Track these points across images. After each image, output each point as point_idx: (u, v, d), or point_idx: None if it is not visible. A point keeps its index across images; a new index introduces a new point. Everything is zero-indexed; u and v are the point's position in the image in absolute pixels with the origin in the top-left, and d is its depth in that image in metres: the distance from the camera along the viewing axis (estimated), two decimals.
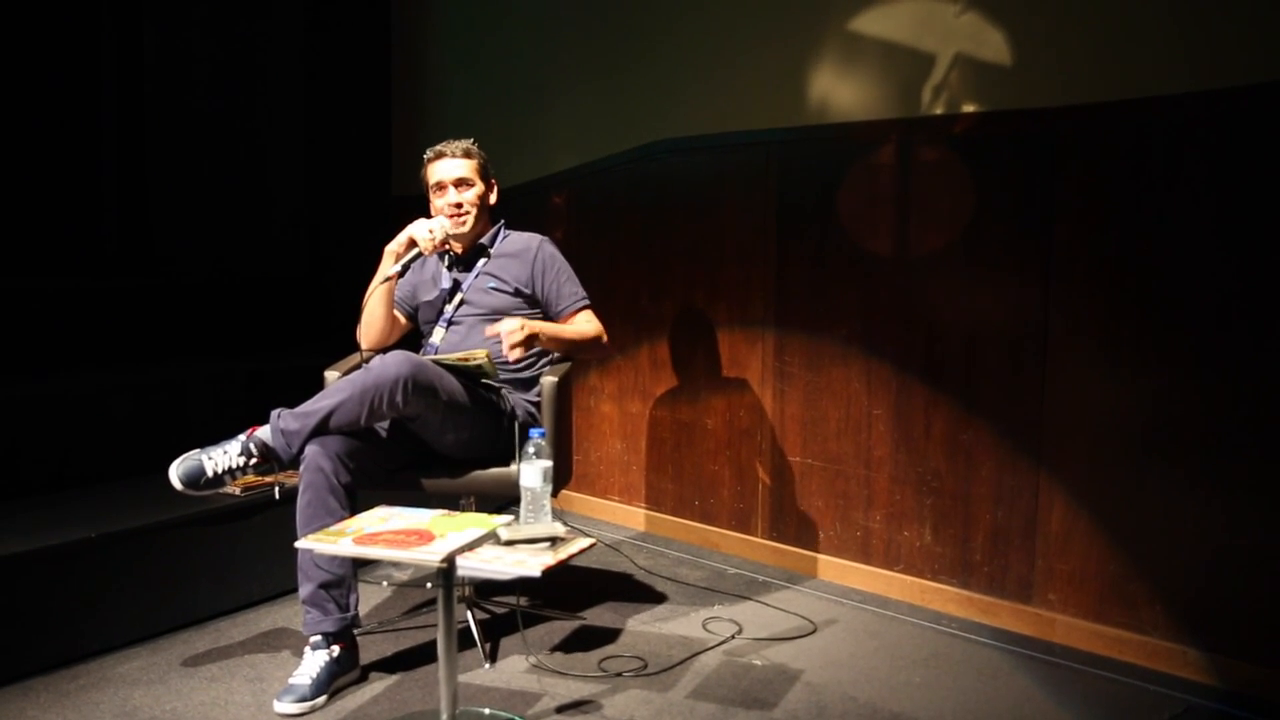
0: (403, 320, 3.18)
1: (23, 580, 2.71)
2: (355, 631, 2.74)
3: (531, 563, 2.21)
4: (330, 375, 2.98)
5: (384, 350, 2.96)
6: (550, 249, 3.17)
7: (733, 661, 2.87)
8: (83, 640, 2.83)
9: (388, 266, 2.98)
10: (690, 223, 3.86)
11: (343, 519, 2.56)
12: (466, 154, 3.09)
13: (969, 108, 3.13)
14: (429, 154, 3.12)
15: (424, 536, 2.21)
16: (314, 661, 2.61)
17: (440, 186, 3.09)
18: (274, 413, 2.71)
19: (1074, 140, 2.92)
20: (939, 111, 3.18)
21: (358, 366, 2.96)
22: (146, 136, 4.86)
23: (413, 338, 3.19)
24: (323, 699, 2.58)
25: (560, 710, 2.56)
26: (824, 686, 2.72)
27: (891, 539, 3.37)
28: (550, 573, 2.23)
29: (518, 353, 2.85)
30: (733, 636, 3.03)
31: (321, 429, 2.67)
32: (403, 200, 3.71)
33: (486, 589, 3.21)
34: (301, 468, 2.66)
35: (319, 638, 2.64)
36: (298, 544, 2.37)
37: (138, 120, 4.85)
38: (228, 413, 3.29)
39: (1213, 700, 2.65)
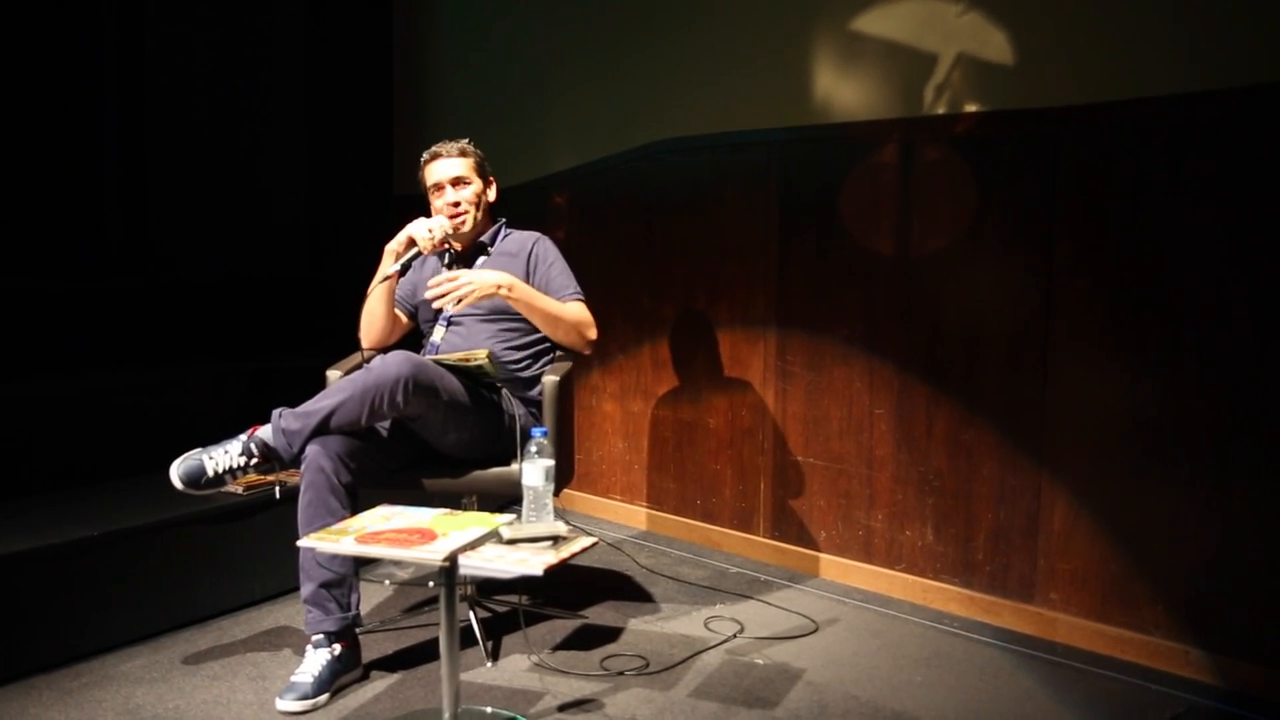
0: (404, 319, 3.19)
1: (25, 579, 2.71)
2: (357, 630, 2.74)
3: (533, 561, 2.21)
4: (332, 375, 2.98)
5: (385, 350, 2.97)
6: (547, 244, 3.17)
7: (734, 660, 2.87)
8: (85, 638, 2.83)
9: (387, 266, 2.98)
10: (692, 222, 3.86)
11: (344, 518, 2.56)
12: (462, 153, 3.10)
13: (971, 108, 3.13)
14: (425, 155, 3.13)
15: (426, 535, 2.21)
16: (316, 660, 2.61)
17: (438, 187, 3.09)
18: (275, 412, 2.72)
19: (1076, 140, 2.92)
20: (941, 111, 3.18)
21: (359, 366, 2.96)
22: (147, 136, 4.86)
23: (414, 337, 3.20)
24: (325, 697, 2.58)
25: (562, 709, 2.56)
26: (826, 685, 2.72)
27: (893, 538, 3.37)
28: (552, 571, 2.23)
29: (442, 301, 2.83)
30: (734, 635, 3.04)
31: (322, 429, 2.67)
32: (404, 199, 3.71)
33: (488, 588, 3.21)
34: (302, 467, 2.66)
35: (321, 636, 2.64)
36: (299, 543, 2.38)
37: (139, 120, 4.85)
38: (229, 412, 3.29)
39: (1215, 700, 2.65)
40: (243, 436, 2.67)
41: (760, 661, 2.87)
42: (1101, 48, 2.87)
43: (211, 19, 5.00)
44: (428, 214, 3.09)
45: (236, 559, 3.18)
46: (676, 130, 3.87)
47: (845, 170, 3.40)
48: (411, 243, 2.96)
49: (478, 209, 3.11)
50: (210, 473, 2.62)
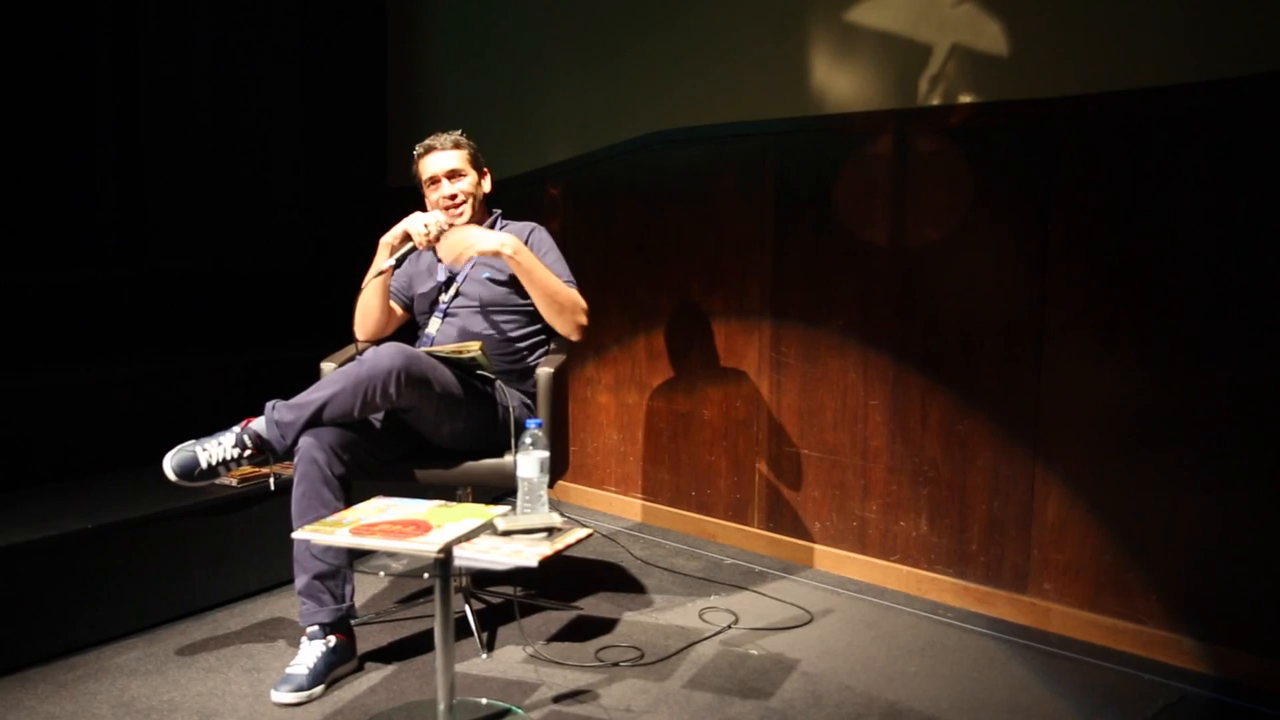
0: (399, 311, 3.18)
1: (20, 571, 2.71)
2: (352, 622, 2.75)
3: (528, 553, 2.21)
4: (326, 367, 2.98)
5: (380, 342, 2.96)
6: (543, 234, 3.17)
7: (729, 651, 2.88)
8: (80, 631, 2.83)
9: (382, 259, 2.98)
10: (687, 214, 3.86)
11: (337, 510, 2.56)
12: (456, 145, 3.09)
13: (966, 98, 3.12)
14: (419, 149, 3.12)
15: (421, 527, 2.21)
16: (311, 651, 2.61)
17: (433, 180, 3.09)
18: (268, 404, 2.72)
19: (1071, 131, 2.92)
20: (936, 102, 3.18)
21: (353, 358, 2.96)
22: (143, 129, 4.85)
23: (409, 330, 3.19)
24: (320, 689, 2.58)
25: (557, 700, 2.57)
26: (820, 676, 2.72)
27: (888, 529, 3.38)
28: (547, 563, 2.23)
29: (460, 259, 2.88)
30: (729, 626, 3.04)
31: (315, 420, 2.67)
32: (400, 192, 3.69)
33: (483, 579, 3.22)
34: (296, 459, 2.66)
35: (315, 628, 2.65)
36: (294, 535, 2.38)
37: (134, 112, 4.84)
38: (223, 405, 3.29)
39: (1208, 689, 2.66)
40: (236, 428, 2.67)
41: (755, 652, 2.87)
42: (1096, 38, 2.87)
43: (207, 11, 4.98)
44: (423, 207, 3.08)
45: (231, 551, 3.18)
46: (672, 121, 3.87)
47: (840, 161, 3.40)
48: (407, 238, 2.95)
49: (474, 201, 3.10)
50: (204, 464, 2.62)
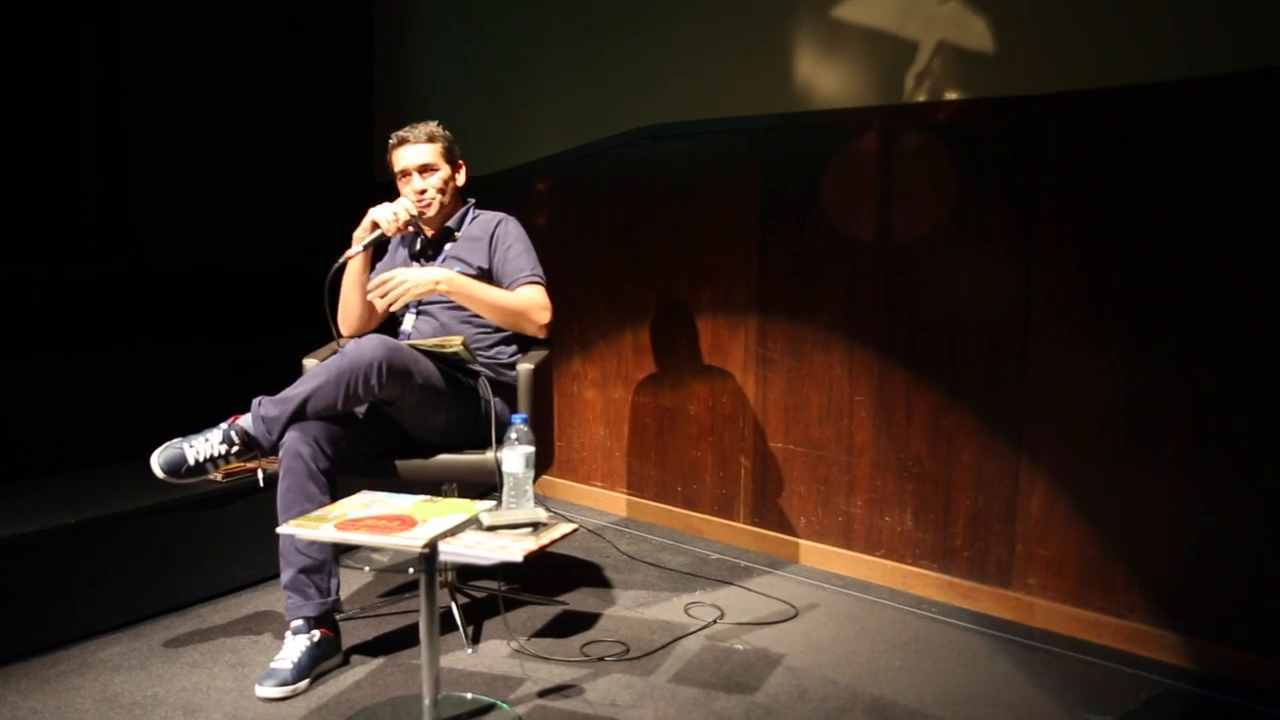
0: (381, 305, 3.15)
1: (3, 566, 2.70)
2: (338, 616, 2.74)
3: (514, 548, 2.21)
4: (309, 362, 2.97)
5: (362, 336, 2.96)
6: (509, 226, 3.12)
7: (714, 646, 2.88)
8: (63, 626, 2.82)
9: (359, 241, 2.97)
10: (673, 209, 3.86)
11: (323, 504, 2.56)
12: (430, 138, 3.06)
13: (951, 95, 3.13)
14: (393, 140, 3.09)
15: (406, 522, 2.21)
16: (295, 646, 2.61)
17: (405, 174, 3.07)
18: (255, 401, 2.72)
19: (1055, 128, 2.93)
20: (921, 99, 3.19)
21: (336, 353, 2.95)
22: (127, 123, 4.82)
23: (396, 323, 3.19)
24: (305, 683, 2.58)
25: (542, 695, 2.57)
26: (805, 670, 2.73)
27: (873, 524, 3.39)
28: (532, 558, 2.24)
29: (379, 300, 2.81)
30: (714, 621, 3.05)
31: (299, 415, 2.67)
32: (386, 186, 3.68)
33: (468, 574, 3.22)
34: (280, 453, 2.66)
35: (300, 622, 2.64)
36: (279, 530, 2.38)
37: (118, 107, 4.81)
38: (210, 400, 3.28)
39: (1189, 683, 2.68)
40: (223, 425, 2.67)
41: (740, 647, 2.88)
42: (1081, 35, 2.88)
43: (193, 6, 4.96)
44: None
45: (217, 546, 3.17)
46: (659, 117, 3.87)
47: (826, 157, 3.41)
48: (375, 225, 2.95)
49: (445, 195, 3.09)
50: (191, 461, 2.62)
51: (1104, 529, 2.89)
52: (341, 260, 2.96)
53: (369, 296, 2.87)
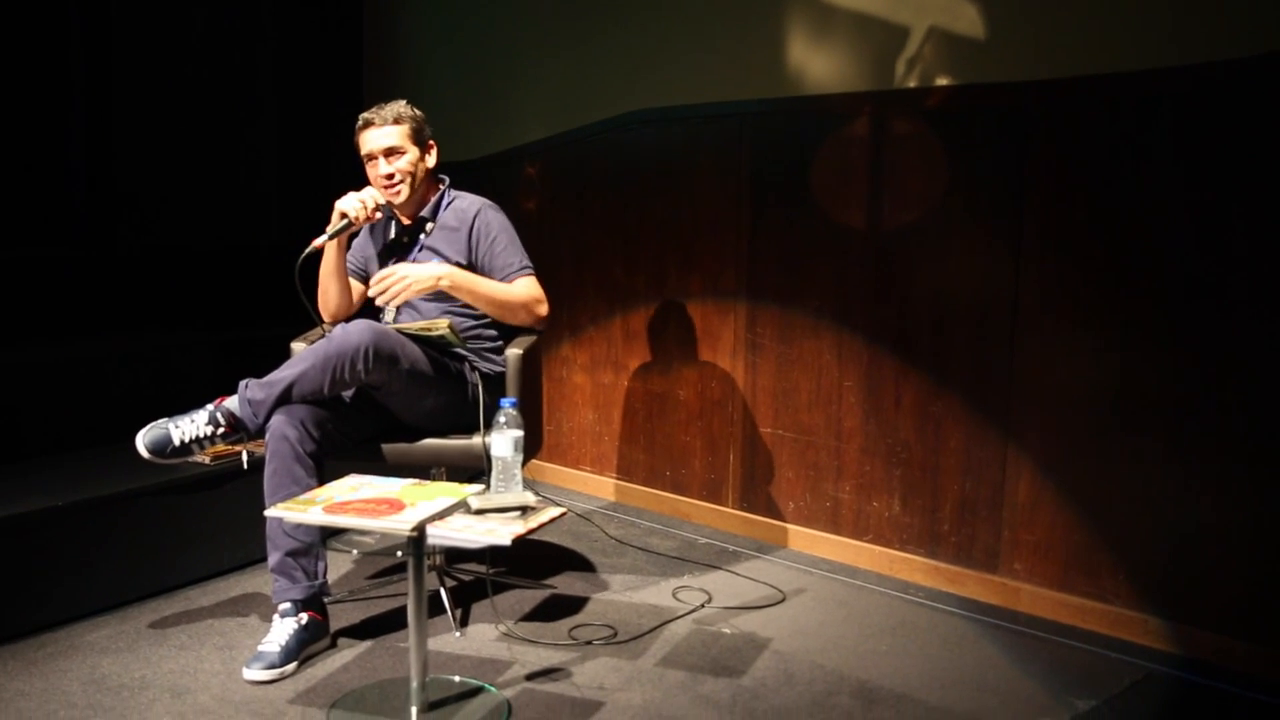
0: (360, 289, 3.10)
1: None
2: (325, 599, 2.75)
3: (502, 531, 2.21)
4: (296, 346, 2.97)
5: (348, 320, 2.94)
6: (490, 215, 3.03)
7: (702, 630, 2.89)
8: (51, 608, 2.82)
9: (328, 231, 2.91)
10: (663, 194, 3.86)
11: (309, 488, 2.56)
12: (397, 119, 2.95)
13: (942, 81, 3.13)
14: (358, 122, 2.99)
15: (395, 505, 2.21)
16: (283, 629, 2.61)
17: (370, 158, 2.97)
18: (241, 383, 2.71)
19: (1045, 114, 2.93)
20: (912, 85, 3.18)
21: (323, 337, 2.94)
22: (115, 104, 4.78)
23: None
24: (292, 666, 2.58)
25: (530, 678, 2.58)
26: (792, 654, 2.74)
27: (861, 509, 3.40)
28: (520, 541, 2.24)
29: (386, 300, 2.79)
30: (702, 605, 3.06)
31: (286, 398, 2.66)
32: None
33: (457, 557, 3.22)
34: (267, 437, 2.65)
35: (288, 605, 2.64)
36: (267, 513, 2.38)
37: (106, 88, 4.77)
38: (197, 383, 3.27)
39: (1173, 667, 2.69)
40: (209, 406, 2.67)
41: (728, 631, 2.89)
42: (1071, 22, 2.88)
43: None
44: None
45: (204, 529, 3.17)
46: (649, 101, 3.86)
47: (817, 143, 3.40)
48: (343, 216, 2.89)
49: (413, 179, 2.98)
50: (176, 442, 2.61)
51: (1090, 515, 2.91)
52: (306, 251, 2.85)
53: (371, 293, 2.83)
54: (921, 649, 2.80)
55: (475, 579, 3.17)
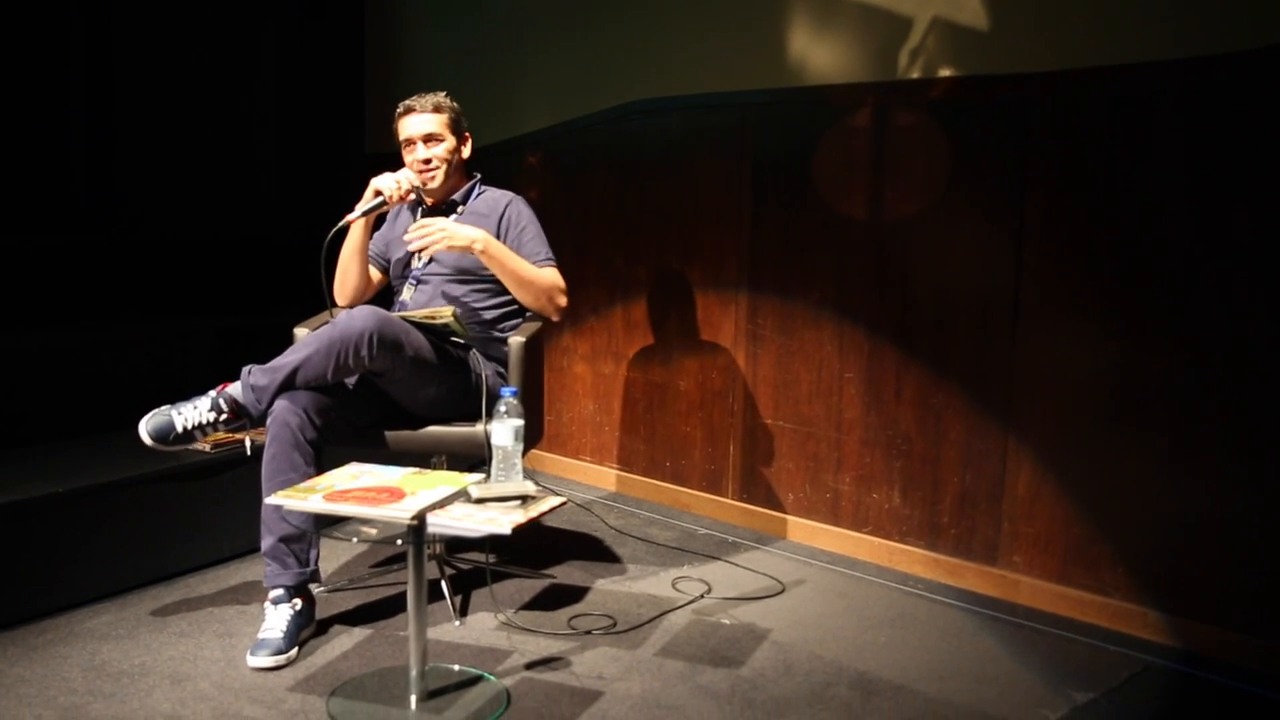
0: (378, 276, 3.17)
1: None
2: (318, 587, 2.75)
3: (502, 520, 2.21)
4: (300, 332, 2.97)
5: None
6: (520, 206, 3.13)
7: (701, 620, 2.90)
8: (51, 595, 2.82)
9: (360, 207, 2.96)
10: (665, 184, 3.85)
11: (307, 475, 2.56)
12: (436, 108, 3.05)
13: (945, 72, 3.13)
14: (400, 108, 3.08)
15: (395, 494, 2.22)
16: (280, 615, 2.61)
17: (409, 142, 3.06)
18: (244, 369, 2.71)
19: (1048, 106, 2.93)
20: (915, 76, 3.18)
21: (328, 323, 2.95)
22: (115, 90, 4.78)
23: (388, 294, 3.19)
24: (295, 651, 2.59)
25: (529, 667, 2.58)
26: (791, 645, 2.75)
27: (861, 501, 3.40)
28: (521, 531, 2.24)
29: (421, 244, 2.86)
30: (702, 596, 3.06)
31: (289, 384, 2.66)
32: (378, 158, 3.68)
33: (456, 546, 3.22)
34: (269, 421, 2.66)
35: (280, 591, 2.65)
36: (267, 500, 2.38)
37: (106, 74, 4.77)
38: (199, 370, 3.27)
39: (1171, 660, 2.70)
40: (212, 393, 2.67)
41: (727, 621, 2.89)
42: (1074, 14, 2.87)
43: None
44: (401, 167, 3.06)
45: (205, 516, 3.17)
46: (651, 91, 3.85)
47: (819, 133, 3.40)
48: (377, 193, 2.94)
49: (449, 166, 3.07)
50: (179, 428, 2.61)
51: (1090, 508, 2.91)
52: (340, 224, 2.94)
53: (406, 237, 2.89)
54: (920, 641, 2.80)
55: (475, 568, 3.17)
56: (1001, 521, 3.08)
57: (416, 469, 2.41)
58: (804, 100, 3.44)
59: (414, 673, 2.32)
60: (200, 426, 2.64)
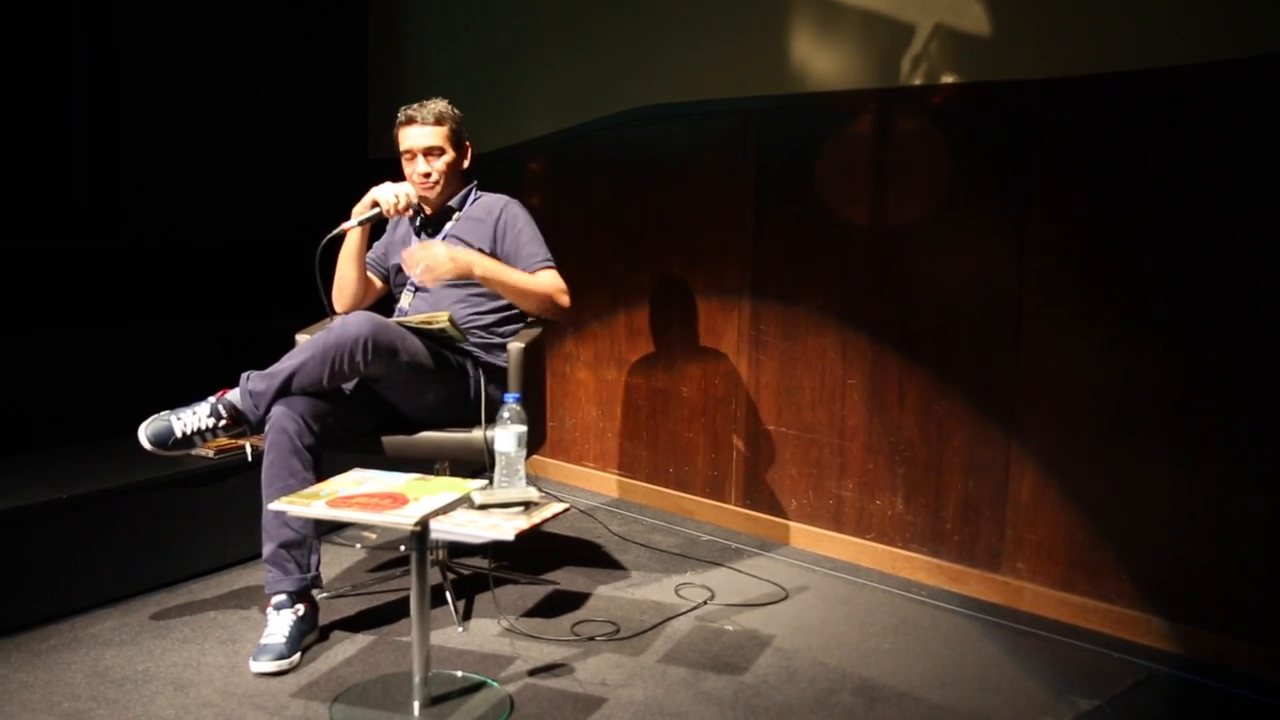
0: (377, 284, 3.17)
1: None
2: (320, 593, 2.75)
3: (505, 526, 2.22)
4: (300, 338, 2.97)
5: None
6: (515, 210, 3.11)
7: (704, 627, 2.89)
8: (54, 601, 2.82)
9: (356, 216, 2.96)
10: (668, 190, 3.85)
11: (307, 481, 2.57)
12: (438, 120, 3.02)
13: (947, 79, 3.13)
14: (401, 116, 3.06)
15: (398, 500, 2.22)
16: (283, 621, 2.61)
17: (410, 155, 3.04)
18: (243, 375, 2.71)
19: (1050, 112, 2.93)
20: (918, 82, 3.18)
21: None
22: (119, 95, 4.79)
23: (387, 301, 3.19)
24: (297, 657, 2.59)
25: (532, 673, 2.58)
26: (794, 652, 2.74)
27: (864, 507, 3.40)
28: (523, 537, 2.24)
29: (428, 279, 2.83)
30: (705, 602, 3.06)
31: (285, 389, 2.67)
32: (380, 163, 3.68)
33: (459, 552, 3.22)
34: (267, 428, 2.66)
35: (282, 597, 2.65)
36: (270, 506, 2.38)
37: (110, 79, 4.78)
38: (202, 376, 3.26)
39: (1175, 668, 2.69)
40: (211, 399, 2.68)
41: (730, 628, 2.89)
42: (1076, 21, 2.87)
43: None
44: (402, 177, 3.06)
45: (207, 522, 3.17)
46: (654, 98, 3.85)
47: (822, 140, 3.40)
48: (375, 204, 2.94)
49: (448, 177, 3.06)
50: (178, 434, 2.62)
51: (1093, 515, 2.90)
52: (334, 233, 2.93)
53: (403, 261, 2.87)
54: (924, 647, 2.80)
55: (477, 574, 3.17)
56: (1005, 528, 3.08)
57: (420, 475, 2.41)
58: (806, 107, 3.44)
59: (417, 679, 2.32)
60: (199, 432, 2.64)
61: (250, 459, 2.95)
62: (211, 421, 2.64)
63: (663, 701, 2.46)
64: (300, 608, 2.65)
